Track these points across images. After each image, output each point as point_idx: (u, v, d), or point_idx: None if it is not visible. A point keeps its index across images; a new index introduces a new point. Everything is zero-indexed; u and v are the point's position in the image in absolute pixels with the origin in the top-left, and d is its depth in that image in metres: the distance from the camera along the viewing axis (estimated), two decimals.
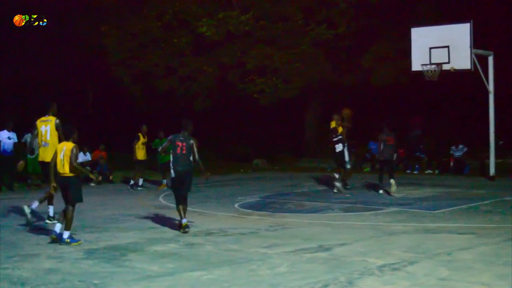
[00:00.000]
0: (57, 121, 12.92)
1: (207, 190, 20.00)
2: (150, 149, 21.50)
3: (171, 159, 12.25)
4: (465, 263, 9.12)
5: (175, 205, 12.61)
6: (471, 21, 20.25)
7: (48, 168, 11.49)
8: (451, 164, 24.58)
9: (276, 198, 18.10)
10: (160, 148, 12.78)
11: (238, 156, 31.20)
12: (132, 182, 21.23)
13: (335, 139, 18.46)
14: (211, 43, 28.51)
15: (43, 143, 13.02)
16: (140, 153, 21.14)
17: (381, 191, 18.21)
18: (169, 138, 12.36)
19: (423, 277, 8.38)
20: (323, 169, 26.57)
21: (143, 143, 21.20)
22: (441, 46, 20.58)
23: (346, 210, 15.09)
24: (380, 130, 18.16)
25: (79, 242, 11.03)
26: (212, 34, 27.48)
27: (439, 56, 20.60)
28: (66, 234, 10.97)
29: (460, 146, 24.73)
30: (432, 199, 16.76)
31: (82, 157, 23.36)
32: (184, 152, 12.10)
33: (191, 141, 12.19)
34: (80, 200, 11.31)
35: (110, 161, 24.66)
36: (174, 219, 13.50)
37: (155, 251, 10.41)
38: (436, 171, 25.01)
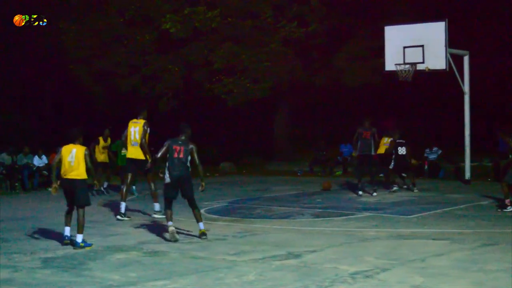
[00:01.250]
0: (146, 125, 14.31)
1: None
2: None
3: (167, 163, 11.90)
4: (439, 270, 9.06)
5: (165, 210, 12.24)
6: (446, 19, 20.14)
7: (130, 164, 14.04)
8: (426, 167, 24.44)
9: (245, 203, 17.95)
10: (158, 154, 12.04)
11: (204, 159, 30.75)
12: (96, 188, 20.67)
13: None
14: (176, 41, 28.02)
15: (132, 142, 14.39)
16: (100, 157, 20.41)
17: (360, 193, 18.08)
18: (165, 142, 12.03)
19: (397, 285, 8.30)
20: (293, 173, 26.37)
21: (103, 147, 20.46)
22: (415, 45, 20.46)
23: (317, 215, 15.07)
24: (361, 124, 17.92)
25: (92, 245, 11.16)
26: (177, 31, 27.01)
27: (414, 56, 20.48)
28: (79, 238, 11.09)
29: (435, 149, 24.56)
30: (406, 204, 16.81)
31: (37, 161, 22.81)
32: (181, 156, 11.85)
33: (191, 146, 11.99)
34: (88, 203, 11.54)
35: None
36: (136, 226, 13.49)
37: (117, 259, 10.21)
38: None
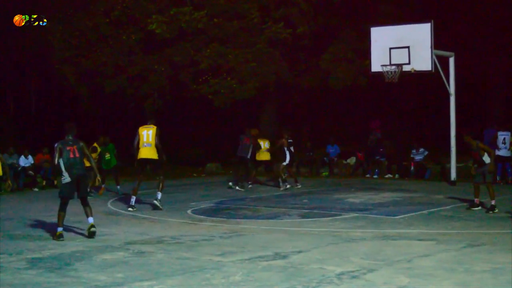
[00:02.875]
0: (157, 129, 15.90)
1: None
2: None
3: (63, 164, 11.94)
4: (425, 271, 9.05)
5: (59, 212, 12.31)
6: (432, 21, 20.18)
7: (142, 164, 15.69)
8: (412, 168, 24.48)
9: (231, 203, 17.85)
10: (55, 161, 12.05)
11: (190, 160, 30.70)
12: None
13: None
14: (162, 41, 27.87)
15: (144, 143, 15.76)
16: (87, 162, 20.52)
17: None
18: (56, 146, 12.07)
19: (383, 285, 8.29)
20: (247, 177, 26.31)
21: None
22: (401, 46, 20.48)
23: (303, 216, 15.01)
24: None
25: None
26: (163, 31, 26.89)
27: (399, 57, 20.50)
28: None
29: (421, 150, 24.61)
30: (392, 205, 16.81)
31: (23, 161, 22.68)
32: (77, 155, 12.08)
33: (81, 143, 12.29)
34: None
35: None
36: (123, 226, 13.32)
37: (103, 260, 10.13)
38: (396, 176, 24.87)
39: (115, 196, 19.49)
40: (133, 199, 16.35)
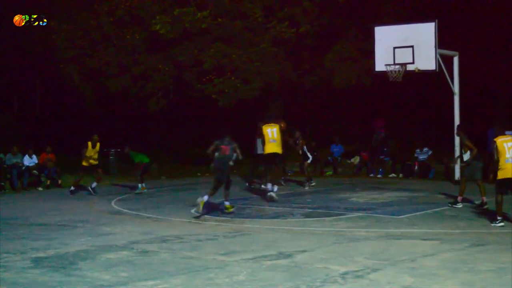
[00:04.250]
0: (282, 125, 18.39)
1: (162, 194, 19.58)
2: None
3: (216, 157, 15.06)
4: (429, 270, 9.07)
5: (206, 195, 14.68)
6: (436, 20, 20.12)
7: (271, 157, 17.83)
8: (416, 167, 24.43)
9: (235, 203, 17.69)
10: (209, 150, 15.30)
11: (194, 159, 30.70)
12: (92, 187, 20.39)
13: None
14: (166, 41, 27.75)
15: (270, 139, 17.84)
16: (88, 162, 20.33)
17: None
18: (215, 142, 15.19)
19: (387, 285, 8.30)
20: (284, 173, 26.27)
21: (90, 156, 20.37)
22: (405, 46, 20.42)
23: (307, 215, 15.01)
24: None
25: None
26: (167, 32, 26.88)
27: (403, 56, 20.45)
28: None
29: (425, 149, 24.54)
30: (396, 204, 16.80)
31: (28, 161, 22.69)
32: (227, 153, 15.02)
33: (234, 145, 15.19)
34: None
35: (60, 164, 23.91)
36: (127, 225, 13.32)
37: (107, 259, 10.18)
38: (400, 175, 24.84)
39: (118, 196, 19.48)
40: (275, 188, 17.90)
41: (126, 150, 20.83)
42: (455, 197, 15.92)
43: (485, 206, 15.01)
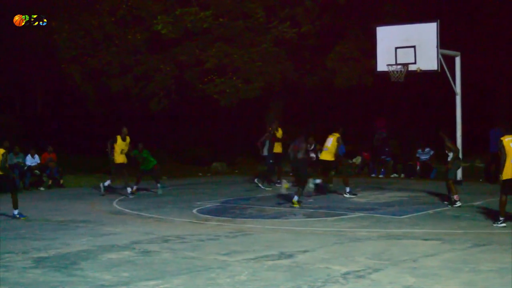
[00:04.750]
0: (339, 138, 18.64)
1: (164, 195, 19.58)
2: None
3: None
4: (431, 270, 9.07)
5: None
6: (438, 20, 20.09)
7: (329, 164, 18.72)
8: (418, 168, 24.41)
9: (236, 203, 17.86)
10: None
11: (196, 159, 30.69)
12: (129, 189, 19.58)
13: None
14: (168, 40, 27.72)
15: (324, 148, 18.81)
16: (119, 158, 19.32)
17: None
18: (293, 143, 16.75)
19: (388, 285, 8.31)
20: (285, 173, 26.27)
21: (122, 149, 19.32)
22: (407, 46, 20.37)
23: (308, 215, 15.00)
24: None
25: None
26: (168, 32, 26.88)
27: (405, 56, 20.40)
28: None
29: (427, 150, 24.51)
30: (397, 204, 16.80)
31: (30, 161, 22.67)
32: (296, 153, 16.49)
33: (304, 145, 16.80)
34: None
35: (61, 164, 23.92)
36: (129, 225, 13.32)
37: (109, 259, 10.18)
38: (402, 175, 24.82)
39: (121, 196, 19.48)
40: (347, 189, 18.52)
41: (141, 147, 20.15)
42: (453, 198, 15.94)
43: (457, 205, 15.56)
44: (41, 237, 12.25)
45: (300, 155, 16.48)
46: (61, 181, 23.19)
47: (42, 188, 22.20)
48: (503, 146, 12.66)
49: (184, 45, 27.95)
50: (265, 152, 21.50)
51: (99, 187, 19.92)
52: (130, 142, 19.62)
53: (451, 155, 16.16)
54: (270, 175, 21.93)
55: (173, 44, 28.06)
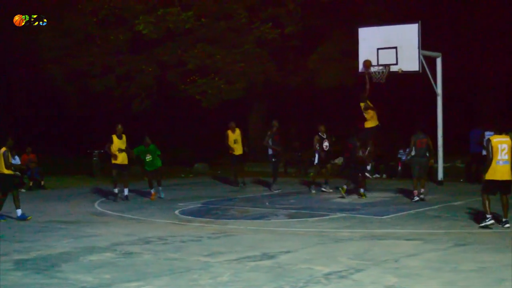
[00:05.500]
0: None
1: (146, 196, 19.49)
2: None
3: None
4: (412, 270, 9.09)
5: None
6: (419, 22, 20.19)
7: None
8: (399, 168, 24.48)
9: (219, 204, 17.82)
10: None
11: (178, 160, 30.62)
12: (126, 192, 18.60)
13: None
14: (150, 41, 27.68)
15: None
16: (119, 158, 18.13)
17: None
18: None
19: (370, 285, 8.33)
20: (267, 174, 26.28)
21: (120, 148, 18.12)
22: (389, 47, 20.43)
23: (291, 216, 14.99)
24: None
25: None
26: (150, 32, 26.82)
27: (387, 58, 20.41)
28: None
29: (408, 150, 24.60)
30: (379, 205, 16.83)
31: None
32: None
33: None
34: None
35: (43, 165, 23.74)
36: (110, 226, 13.21)
37: (90, 261, 10.12)
38: (384, 176, 24.91)
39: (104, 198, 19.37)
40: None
41: (148, 141, 18.81)
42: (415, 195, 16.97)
43: (415, 199, 16.78)
44: (22, 239, 12.15)
45: (360, 153, 17.38)
46: (42, 183, 23.03)
47: (23, 190, 22.01)
48: (491, 147, 12.48)
49: (166, 45, 27.91)
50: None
51: (113, 194, 18.56)
52: (127, 140, 18.38)
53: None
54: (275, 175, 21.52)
55: (155, 44, 28.01)
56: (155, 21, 26.57)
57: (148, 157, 18.80)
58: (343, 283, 8.41)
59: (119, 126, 18.25)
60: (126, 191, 18.52)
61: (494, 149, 12.47)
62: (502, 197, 12.64)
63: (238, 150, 21.48)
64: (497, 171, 12.46)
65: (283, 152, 21.56)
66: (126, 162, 18.38)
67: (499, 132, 12.78)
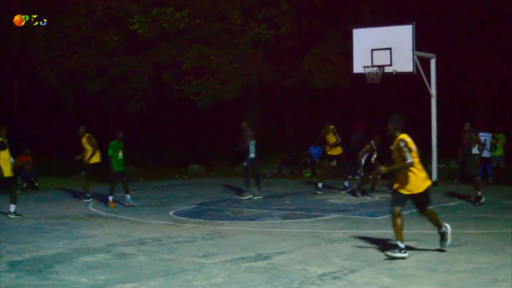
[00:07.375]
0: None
1: (140, 196, 19.46)
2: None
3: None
4: (406, 271, 9.12)
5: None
6: (414, 23, 20.22)
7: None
8: None
9: (213, 205, 17.80)
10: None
11: (173, 161, 30.61)
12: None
13: None
14: (144, 42, 27.71)
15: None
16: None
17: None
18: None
19: (364, 286, 8.36)
20: (262, 175, 26.28)
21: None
22: (383, 48, 20.46)
23: (285, 217, 14.99)
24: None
25: None
26: (145, 31, 26.75)
27: (381, 58, 20.46)
28: None
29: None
30: (373, 206, 16.84)
31: None
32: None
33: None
34: None
35: (37, 166, 23.68)
36: (104, 227, 13.29)
37: (84, 262, 10.10)
38: (378, 176, 24.87)
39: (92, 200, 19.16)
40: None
41: (121, 136, 17.45)
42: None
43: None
44: (16, 241, 12.11)
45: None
46: (36, 184, 22.98)
47: (17, 191, 21.94)
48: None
49: (161, 46, 27.91)
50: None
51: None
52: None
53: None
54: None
55: (150, 45, 28.01)
56: (149, 20, 26.56)
57: (120, 155, 17.21)
58: (337, 284, 8.41)
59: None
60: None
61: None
62: None
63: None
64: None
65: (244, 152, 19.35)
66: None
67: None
